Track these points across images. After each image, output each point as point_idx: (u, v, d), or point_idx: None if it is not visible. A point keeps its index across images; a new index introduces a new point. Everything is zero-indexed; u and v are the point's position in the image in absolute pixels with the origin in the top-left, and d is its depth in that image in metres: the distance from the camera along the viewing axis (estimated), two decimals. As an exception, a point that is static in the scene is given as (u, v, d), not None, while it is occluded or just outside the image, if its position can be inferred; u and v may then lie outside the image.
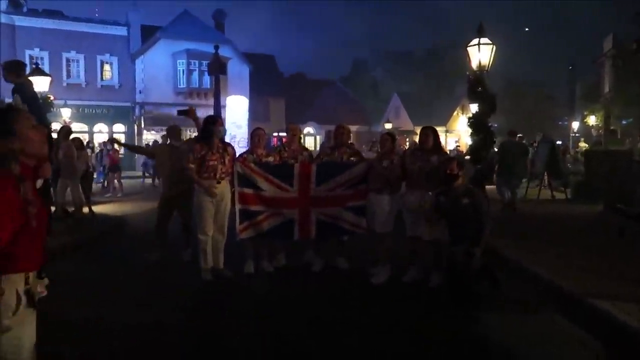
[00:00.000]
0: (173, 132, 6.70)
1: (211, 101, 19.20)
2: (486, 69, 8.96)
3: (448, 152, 14.54)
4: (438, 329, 4.18)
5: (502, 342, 3.93)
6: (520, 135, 14.11)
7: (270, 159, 5.87)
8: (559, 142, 20.28)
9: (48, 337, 2.74)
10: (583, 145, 23.38)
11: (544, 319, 4.37)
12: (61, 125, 10.50)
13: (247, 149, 6.64)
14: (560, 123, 40.49)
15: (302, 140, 6.58)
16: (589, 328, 4.07)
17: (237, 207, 5.50)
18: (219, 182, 5.36)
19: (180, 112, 6.29)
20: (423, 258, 5.42)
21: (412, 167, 5.33)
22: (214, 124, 5.41)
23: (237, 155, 5.82)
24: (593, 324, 4.09)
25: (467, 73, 9.33)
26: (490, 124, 9.01)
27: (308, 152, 6.17)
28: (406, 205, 5.40)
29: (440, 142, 5.50)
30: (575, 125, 34.36)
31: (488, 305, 4.67)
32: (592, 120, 28.95)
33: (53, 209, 9.19)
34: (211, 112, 17.36)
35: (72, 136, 10.70)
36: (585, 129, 32.64)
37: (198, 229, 5.46)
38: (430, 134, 5.38)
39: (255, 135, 5.98)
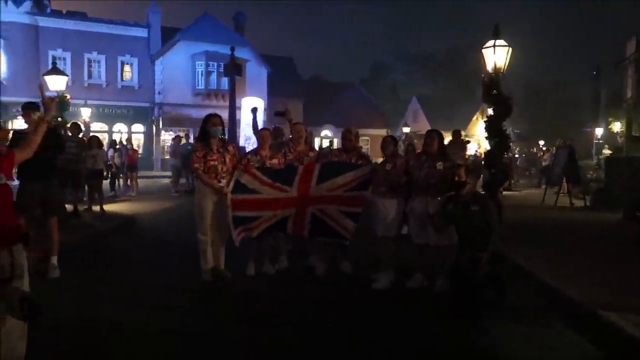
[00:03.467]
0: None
1: (228, 102, 19.26)
2: (502, 71, 8.74)
3: (468, 157, 14.29)
4: (439, 338, 4.05)
5: (504, 353, 3.77)
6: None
7: (275, 161, 5.77)
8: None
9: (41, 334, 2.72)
10: (607, 152, 22.82)
11: (550, 330, 4.17)
12: (74, 122, 10.52)
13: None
14: (585, 129, 39.64)
15: (313, 142, 6.48)
16: (596, 340, 3.88)
17: (231, 213, 5.30)
18: (219, 181, 5.28)
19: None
20: (429, 264, 5.26)
21: (418, 173, 5.18)
22: (207, 123, 5.33)
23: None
24: (600, 336, 3.90)
25: (482, 76, 9.11)
26: (505, 129, 8.79)
27: (315, 153, 6.05)
28: (412, 211, 5.25)
29: (444, 147, 5.34)
30: (599, 131, 33.53)
31: (493, 313, 4.49)
32: (616, 126, 28.20)
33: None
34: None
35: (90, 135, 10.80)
36: (609, 135, 31.83)
37: (198, 229, 5.39)
38: (435, 138, 5.23)
39: (259, 136, 5.91)
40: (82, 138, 10.21)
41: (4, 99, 25.83)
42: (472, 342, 3.98)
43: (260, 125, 6.71)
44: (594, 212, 10.71)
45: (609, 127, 30.51)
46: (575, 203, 11.85)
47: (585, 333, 4.02)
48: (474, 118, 40.32)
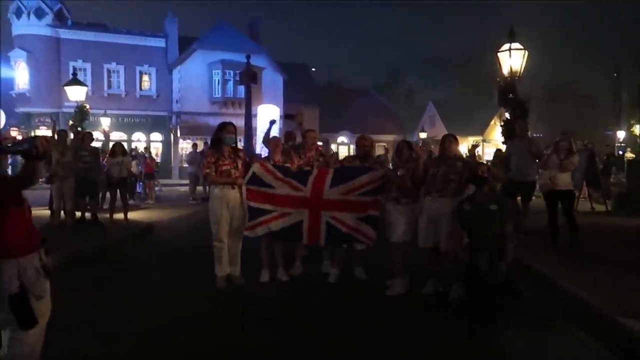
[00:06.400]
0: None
1: (244, 110, 19.42)
2: (517, 75, 8.67)
3: (485, 162, 14.18)
4: (454, 344, 3.99)
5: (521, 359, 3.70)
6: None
7: (288, 165, 5.81)
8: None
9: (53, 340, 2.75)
10: (629, 155, 22.34)
11: (568, 337, 4.09)
12: (86, 131, 10.60)
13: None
14: (607, 132, 38.84)
15: (329, 149, 6.57)
16: (615, 347, 3.79)
17: (246, 204, 5.41)
18: (233, 188, 5.35)
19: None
20: (443, 270, 5.20)
21: (434, 170, 5.15)
22: (222, 131, 5.40)
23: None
24: (619, 343, 3.80)
25: (497, 79, 9.04)
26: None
27: (324, 157, 6.11)
28: (422, 213, 5.21)
29: (460, 151, 5.35)
30: (621, 134, 32.86)
31: (510, 320, 4.42)
32: (638, 129, 27.67)
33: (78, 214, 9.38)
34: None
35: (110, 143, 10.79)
36: (631, 138, 31.18)
37: (213, 236, 5.43)
38: (453, 142, 5.25)
39: (272, 143, 5.96)
40: (95, 147, 10.31)
41: (27, 110, 26.50)
42: (487, 348, 3.92)
43: (258, 133, 6.79)
44: (616, 217, 10.48)
45: (631, 129, 29.94)
46: (596, 207, 11.62)
47: (604, 340, 3.93)
48: (492, 122, 39.83)
